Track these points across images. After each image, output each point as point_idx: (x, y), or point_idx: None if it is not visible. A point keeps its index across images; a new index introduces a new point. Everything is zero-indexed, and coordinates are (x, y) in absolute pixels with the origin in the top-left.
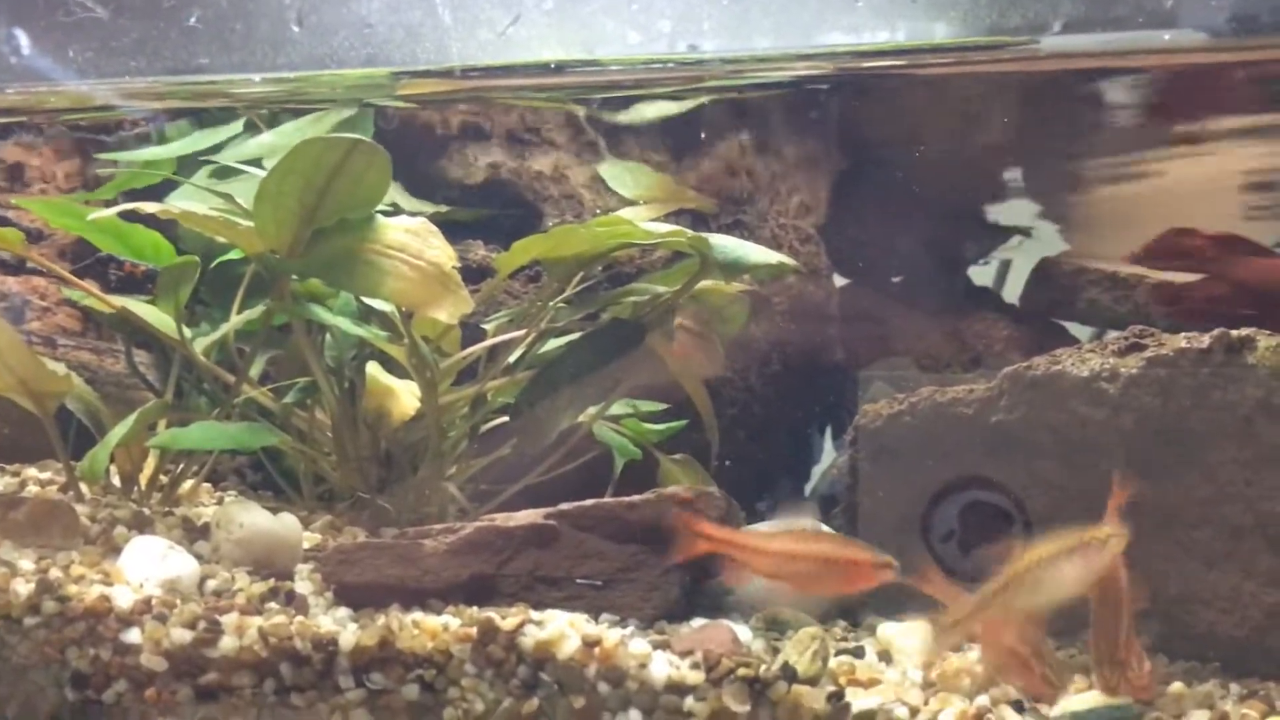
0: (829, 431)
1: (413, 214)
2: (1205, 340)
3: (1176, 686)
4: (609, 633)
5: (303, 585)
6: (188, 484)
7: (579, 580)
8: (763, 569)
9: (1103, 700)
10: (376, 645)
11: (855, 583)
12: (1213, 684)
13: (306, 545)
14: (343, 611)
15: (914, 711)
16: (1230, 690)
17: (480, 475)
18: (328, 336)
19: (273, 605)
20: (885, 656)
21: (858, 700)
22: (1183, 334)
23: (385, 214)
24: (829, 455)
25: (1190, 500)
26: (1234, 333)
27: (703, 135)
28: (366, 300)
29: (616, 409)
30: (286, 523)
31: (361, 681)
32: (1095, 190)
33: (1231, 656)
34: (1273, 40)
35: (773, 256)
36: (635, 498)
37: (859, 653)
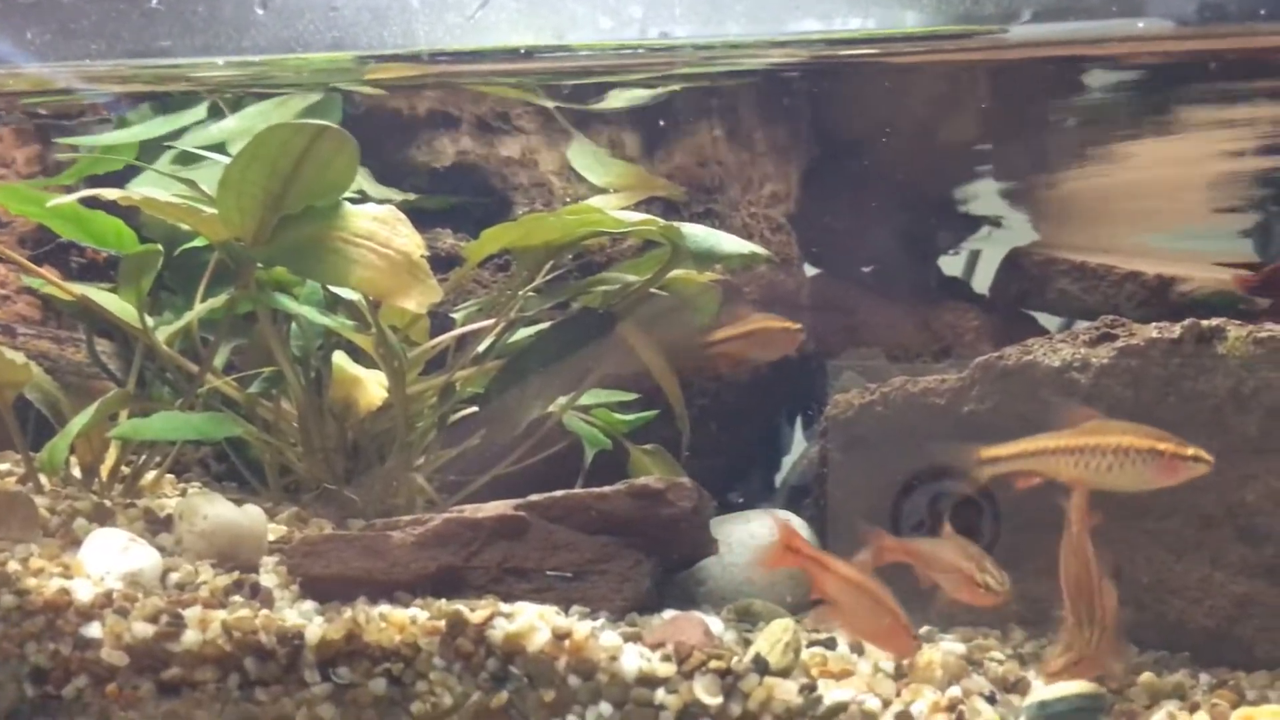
0: (799, 422)
1: (380, 201)
2: (1176, 330)
3: (1147, 677)
4: (579, 625)
5: (268, 578)
6: (150, 475)
7: (549, 572)
8: (830, 594)
9: (1074, 690)
10: (343, 639)
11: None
12: (1183, 674)
13: (272, 537)
14: (308, 605)
15: (886, 703)
16: (1200, 680)
17: (449, 466)
18: (293, 325)
19: (237, 599)
20: (857, 648)
21: (830, 692)
22: (1153, 324)
23: (352, 201)
24: (799, 446)
25: (1160, 491)
26: (1204, 323)
27: (674, 123)
28: (333, 289)
29: (586, 399)
30: (251, 514)
31: (328, 676)
32: (1065, 181)
33: (1201, 646)
34: (1240, 29)
35: (745, 246)
36: (606, 489)
37: (831, 644)
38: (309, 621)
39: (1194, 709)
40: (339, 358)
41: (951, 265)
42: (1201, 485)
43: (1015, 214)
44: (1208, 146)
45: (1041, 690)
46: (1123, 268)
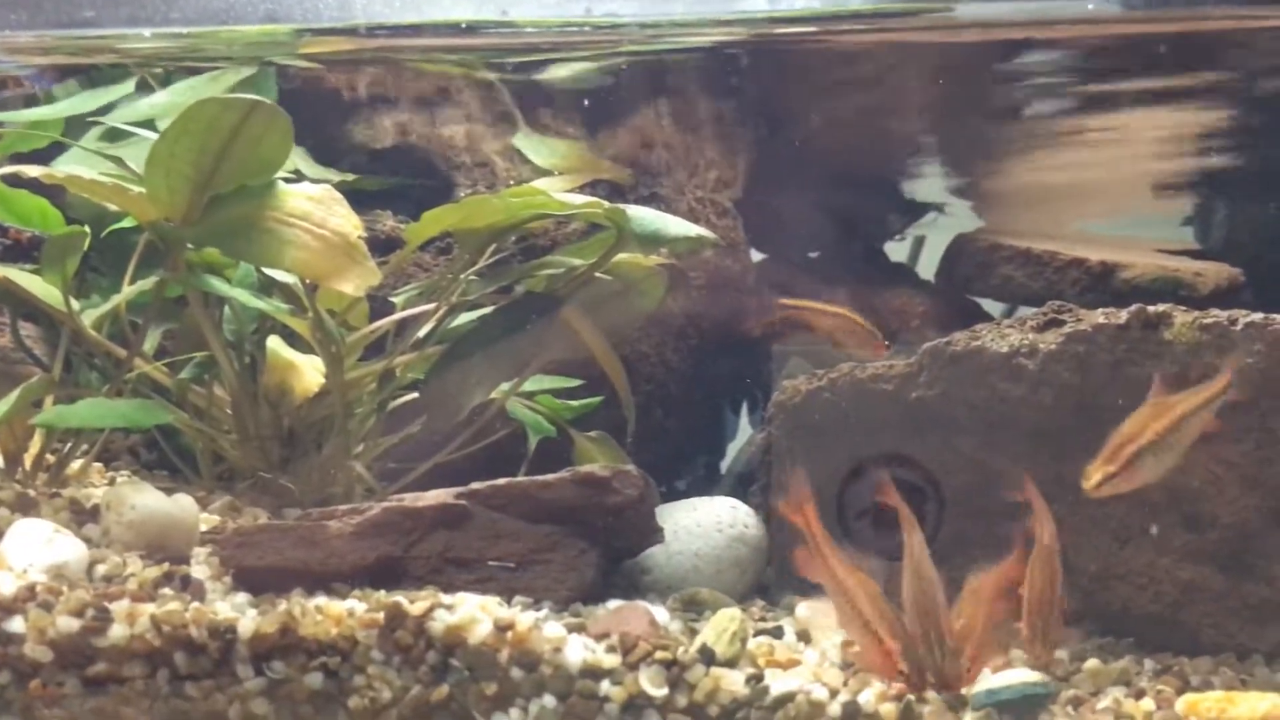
0: (745, 408)
1: (317, 181)
2: (1122, 316)
3: (1092, 663)
4: (522, 616)
5: (199, 570)
6: (76, 464)
7: (491, 562)
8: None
9: (1019, 679)
10: (277, 632)
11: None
12: (1128, 660)
13: (204, 527)
14: (242, 597)
15: (833, 692)
16: (1145, 666)
17: (388, 454)
18: (226, 309)
19: (167, 591)
20: (804, 636)
21: (776, 682)
22: (1100, 310)
23: (287, 181)
24: (745, 432)
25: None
26: (1150, 308)
27: (619, 106)
28: (267, 271)
29: (530, 385)
30: (182, 504)
31: (262, 670)
32: (1008, 167)
33: (1146, 632)
34: (1186, 13)
35: (692, 229)
36: (550, 476)
37: (778, 633)
38: (242, 614)
39: (1139, 695)
40: (274, 342)
41: (897, 251)
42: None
43: (960, 200)
44: (1151, 132)
45: (990, 679)
46: (1066, 254)
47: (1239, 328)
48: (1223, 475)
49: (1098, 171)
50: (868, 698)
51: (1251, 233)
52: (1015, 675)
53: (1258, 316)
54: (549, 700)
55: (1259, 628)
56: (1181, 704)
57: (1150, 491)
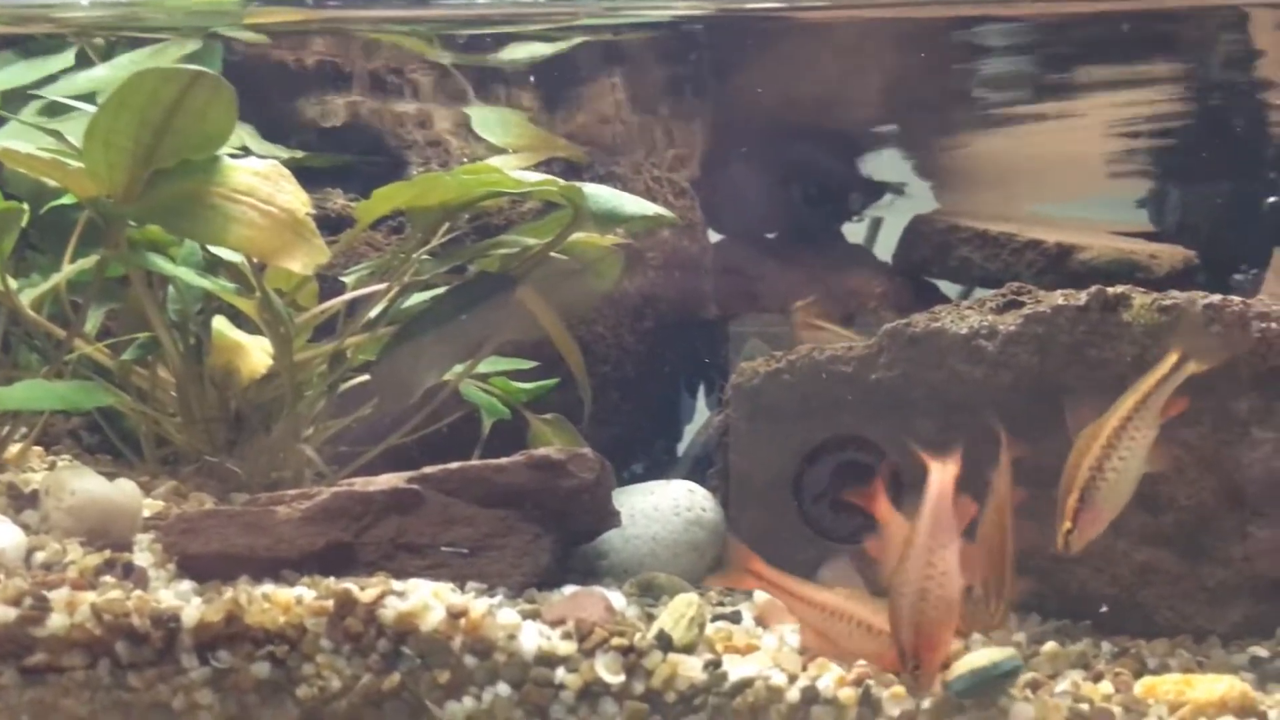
0: (702, 390)
1: (264, 158)
2: (1082, 298)
3: (1050, 646)
4: (476, 602)
5: (142, 557)
6: (15, 447)
7: (444, 547)
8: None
9: (978, 663)
10: (223, 620)
11: (884, 656)
12: (1086, 643)
13: (147, 513)
14: (186, 585)
15: (792, 678)
16: (1103, 649)
17: (339, 437)
18: (170, 289)
19: (108, 579)
20: (762, 621)
21: (735, 668)
22: (1059, 291)
23: (233, 157)
24: (702, 414)
25: (1065, 458)
26: (1110, 290)
27: (575, 83)
28: (213, 249)
29: (484, 366)
30: (124, 489)
31: (206, 660)
32: (966, 147)
33: (1103, 615)
34: None
35: (649, 208)
36: (504, 460)
37: (736, 618)
38: (186, 603)
39: (1098, 678)
40: (219, 323)
41: (854, 232)
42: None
43: (918, 181)
44: (1106, 112)
45: (971, 659)
46: (1023, 235)
47: (1198, 309)
48: (1180, 457)
49: (1053, 153)
50: (826, 683)
51: (1205, 215)
52: (985, 655)
53: (1215, 298)
54: (503, 688)
55: (1216, 609)
56: (1139, 687)
57: None
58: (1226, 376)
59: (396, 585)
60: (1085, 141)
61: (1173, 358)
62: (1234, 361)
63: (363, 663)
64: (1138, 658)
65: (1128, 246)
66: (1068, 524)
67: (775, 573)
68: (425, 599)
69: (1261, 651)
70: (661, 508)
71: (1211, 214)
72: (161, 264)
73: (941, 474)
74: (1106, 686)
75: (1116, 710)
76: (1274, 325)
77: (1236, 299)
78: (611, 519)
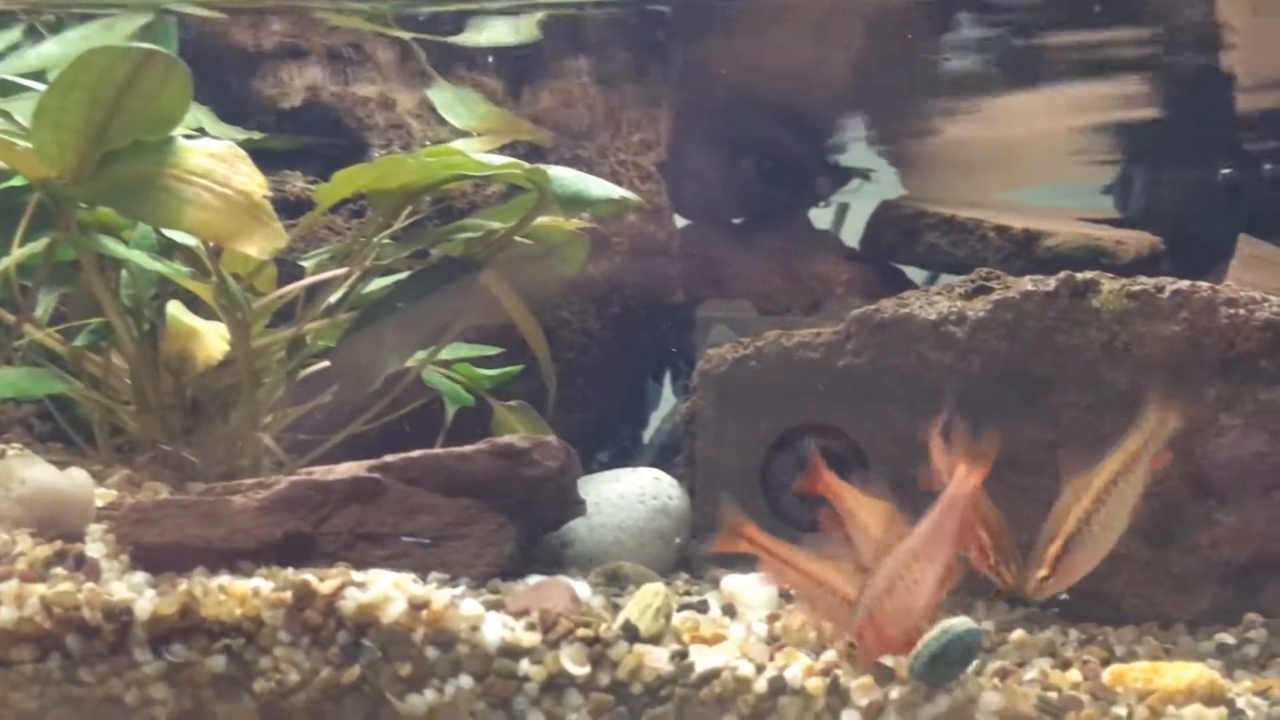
0: (668, 377)
1: (220, 139)
2: (1051, 283)
3: (1018, 634)
4: (438, 593)
5: (94, 548)
6: None
7: (405, 537)
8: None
9: (929, 635)
10: (177, 613)
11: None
12: (1053, 630)
13: (100, 503)
14: (140, 576)
15: (759, 668)
16: (1070, 636)
17: (298, 425)
18: (124, 273)
19: (59, 571)
20: (729, 610)
21: (702, 659)
22: (1028, 277)
23: (188, 138)
24: (668, 401)
25: (1034, 445)
26: (1079, 275)
27: (540, 65)
28: (167, 233)
29: (447, 353)
30: (75, 478)
31: (161, 653)
32: (933, 133)
33: (1070, 602)
34: None
35: (614, 191)
36: (467, 448)
37: (703, 607)
38: (139, 595)
39: (1065, 666)
40: (174, 308)
41: (821, 218)
42: (1073, 440)
43: (885, 166)
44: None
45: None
46: (990, 221)
47: (1166, 295)
48: None
49: (1020, 139)
50: (794, 673)
51: (1170, 201)
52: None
53: (1184, 284)
54: (465, 681)
55: (1182, 597)
56: (1108, 675)
57: None
58: (1194, 363)
59: (357, 576)
60: (1051, 127)
61: (1155, 415)
62: (1202, 348)
63: (322, 656)
64: (1105, 645)
65: (1094, 233)
66: (1045, 571)
67: (766, 537)
68: (386, 590)
69: (1228, 638)
70: (627, 496)
71: (1177, 200)
72: (114, 247)
73: (963, 483)
74: (1075, 674)
75: (1085, 698)
76: (1242, 311)
77: (1205, 284)
78: (577, 507)
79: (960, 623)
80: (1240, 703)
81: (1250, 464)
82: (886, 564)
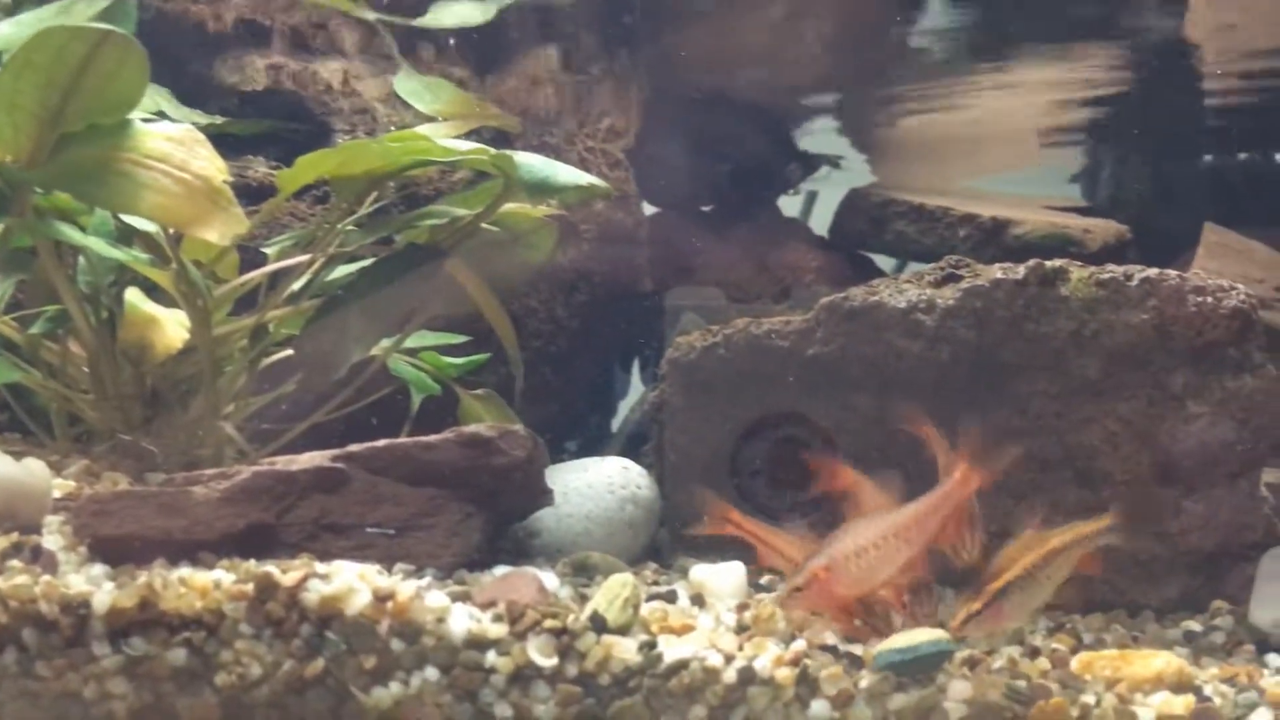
0: (636, 365)
1: (179, 123)
2: (1020, 271)
3: None
4: (403, 585)
5: (51, 540)
6: None
7: (370, 528)
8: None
9: (920, 638)
10: (136, 606)
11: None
12: None
13: (58, 494)
14: (98, 569)
15: (729, 658)
16: (1039, 624)
17: (261, 414)
18: (81, 259)
19: (15, 563)
20: (698, 600)
21: (670, 649)
22: (997, 265)
23: (146, 122)
24: (636, 390)
25: (1002, 433)
26: (1048, 264)
27: (507, 49)
28: (125, 218)
29: (413, 341)
30: (32, 469)
31: (119, 647)
32: (903, 121)
33: None
34: None
35: (583, 178)
36: (433, 437)
37: (671, 597)
38: (98, 588)
39: (1034, 654)
40: (133, 295)
41: (789, 206)
42: (1042, 428)
43: (854, 154)
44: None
45: (900, 637)
46: (959, 209)
47: (1134, 283)
48: (1116, 432)
49: (988, 127)
50: (763, 663)
51: (1137, 189)
52: (914, 635)
53: (1152, 272)
54: (431, 673)
55: (1150, 584)
56: (1076, 663)
57: (1044, 448)
58: (1162, 351)
59: (320, 568)
60: (1020, 115)
61: (1112, 516)
62: (1170, 336)
63: (285, 648)
64: (1073, 633)
65: (1061, 221)
66: (976, 605)
67: (751, 521)
68: (350, 582)
69: (1195, 626)
70: (595, 485)
71: (1143, 188)
72: (70, 233)
73: (963, 484)
74: (1043, 663)
75: (1054, 686)
76: (1210, 299)
77: (1173, 273)
78: (544, 497)
79: (933, 643)
80: (1207, 690)
81: (1217, 452)
82: (863, 528)
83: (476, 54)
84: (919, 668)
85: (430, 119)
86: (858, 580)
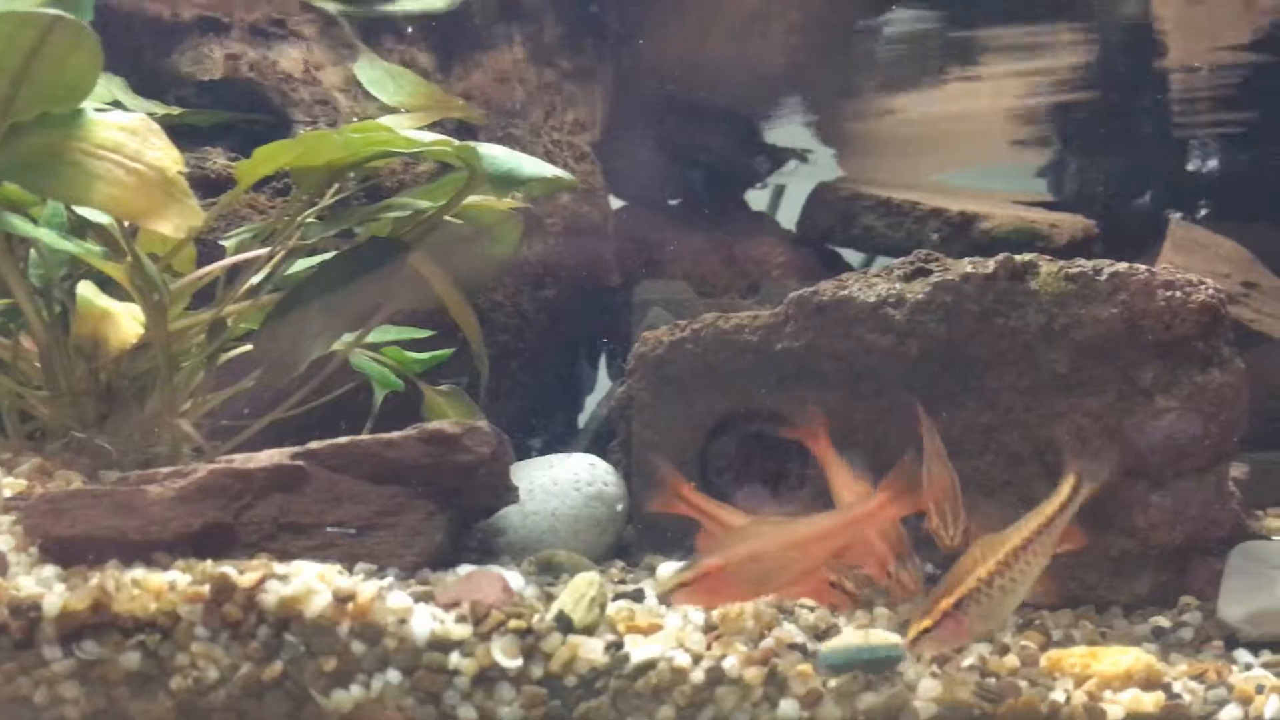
0: (603, 360)
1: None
2: (990, 265)
3: None
4: (364, 585)
5: (2, 540)
6: None
7: (331, 527)
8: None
9: (852, 642)
10: (89, 609)
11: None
12: None
13: (8, 493)
14: (49, 570)
15: (697, 658)
16: (1007, 620)
17: (220, 411)
18: (32, 252)
19: None
20: (665, 599)
21: (637, 649)
22: (967, 259)
23: (100, 112)
24: (603, 385)
25: (972, 428)
26: (1017, 257)
27: (472, 39)
28: (80, 210)
29: (376, 336)
30: None
31: (71, 651)
32: (871, 114)
33: None
34: None
35: (548, 170)
36: (396, 434)
37: (638, 596)
38: (49, 590)
39: (1004, 651)
40: (86, 289)
41: (757, 200)
42: (1011, 423)
43: (822, 148)
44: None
45: (850, 636)
46: (927, 204)
47: (1103, 278)
48: (1084, 426)
49: (956, 122)
50: (732, 662)
51: (1104, 184)
52: (863, 636)
53: (1121, 266)
54: (393, 675)
55: (1118, 579)
56: (1045, 659)
57: (1013, 443)
58: (1131, 345)
59: (279, 568)
60: (987, 110)
61: (1071, 481)
62: (1139, 330)
63: (242, 651)
64: (1042, 629)
65: (1029, 216)
66: (928, 622)
67: (703, 498)
68: (309, 582)
69: (1163, 621)
70: (561, 482)
71: (1109, 183)
72: (21, 225)
73: (877, 512)
74: (1013, 659)
75: (1023, 684)
76: (1178, 294)
77: (1142, 267)
78: (509, 495)
79: (882, 647)
80: (1177, 687)
81: (1185, 446)
82: (766, 533)
83: (441, 43)
84: (864, 669)
85: (393, 110)
86: (747, 586)
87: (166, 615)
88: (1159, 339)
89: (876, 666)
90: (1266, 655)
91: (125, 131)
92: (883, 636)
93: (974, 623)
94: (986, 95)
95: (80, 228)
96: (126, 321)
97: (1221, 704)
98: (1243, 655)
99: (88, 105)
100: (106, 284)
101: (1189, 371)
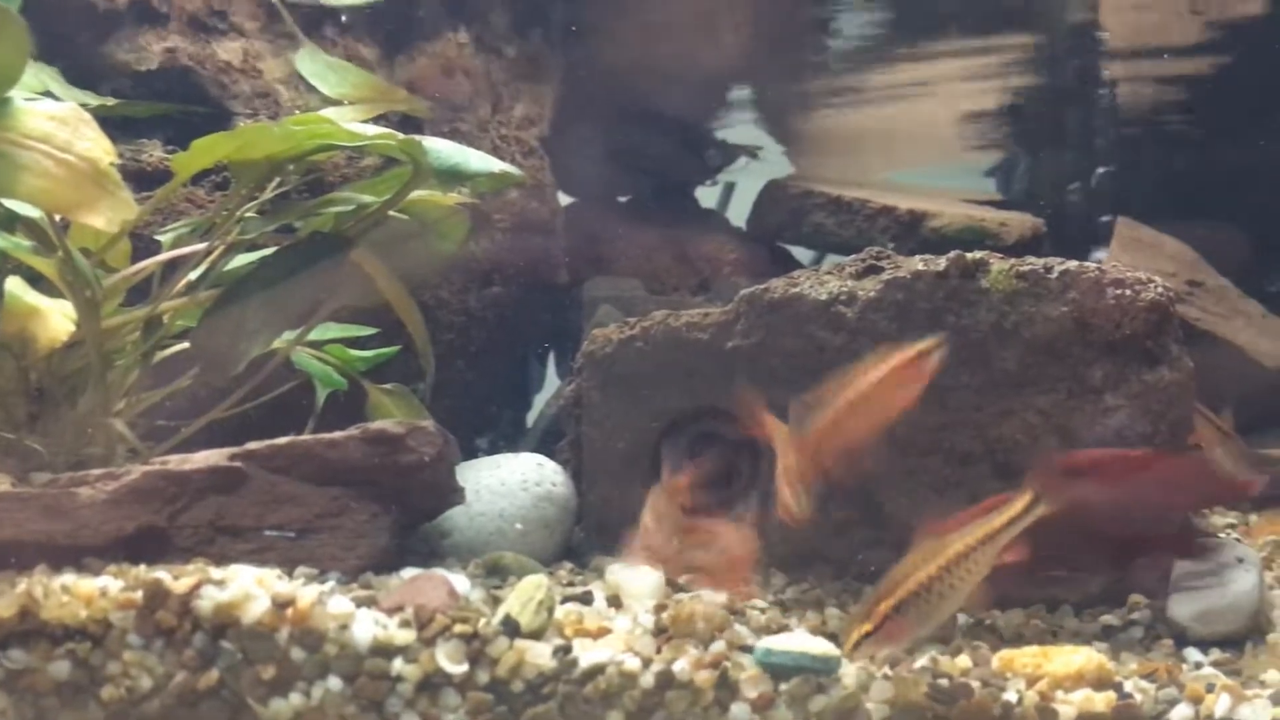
0: (551, 358)
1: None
2: (941, 263)
3: None
4: (304, 590)
5: None
6: None
7: (270, 530)
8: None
9: (791, 647)
10: (16, 616)
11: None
12: None
13: None
14: None
15: (646, 662)
16: (958, 620)
17: (156, 410)
18: None
19: None
20: (615, 601)
21: (586, 654)
22: (918, 257)
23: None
24: (551, 384)
25: (922, 427)
26: (969, 255)
27: (416, 29)
28: (6, 203)
29: (318, 334)
30: None
31: None
32: (821, 112)
33: None
34: None
35: (495, 165)
36: (338, 434)
37: (587, 599)
38: None
39: (956, 652)
40: (14, 285)
41: (707, 197)
42: (962, 422)
43: (773, 145)
44: (958, 79)
45: (793, 639)
46: (877, 202)
47: (1054, 276)
48: (1035, 424)
49: (905, 121)
50: (682, 666)
51: (1052, 184)
52: (799, 641)
53: (1072, 264)
54: (334, 682)
55: (1069, 579)
56: (997, 660)
57: (964, 441)
58: (1080, 343)
59: (215, 573)
60: (937, 110)
61: (1026, 499)
62: (1088, 328)
63: (176, 659)
64: (993, 629)
65: (978, 214)
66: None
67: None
68: (247, 588)
69: (1113, 620)
70: (509, 483)
71: (1057, 183)
72: None
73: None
74: (965, 660)
75: (975, 685)
76: (1128, 292)
77: (1092, 265)
78: (455, 496)
79: (821, 658)
80: (1128, 686)
81: (1134, 445)
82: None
83: (384, 34)
84: (799, 673)
85: (335, 102)
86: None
87: (98, 622)
88: (1109, 337)
89: (809, 673)
90: (1216, 653)
91: (55, 121)
92: (821, 647)
93: (910, 627)
94: (937, 95)
95: (8, 221)
96: (57, 319)
97: (1172, 703)
98: (1193, 654)
99: (15, 94)
100: (36, 280)
101: (1138, 370)
